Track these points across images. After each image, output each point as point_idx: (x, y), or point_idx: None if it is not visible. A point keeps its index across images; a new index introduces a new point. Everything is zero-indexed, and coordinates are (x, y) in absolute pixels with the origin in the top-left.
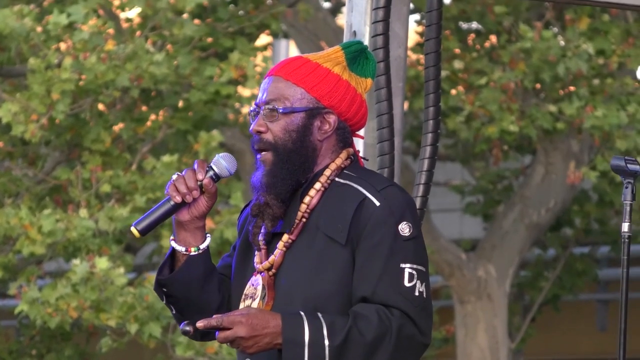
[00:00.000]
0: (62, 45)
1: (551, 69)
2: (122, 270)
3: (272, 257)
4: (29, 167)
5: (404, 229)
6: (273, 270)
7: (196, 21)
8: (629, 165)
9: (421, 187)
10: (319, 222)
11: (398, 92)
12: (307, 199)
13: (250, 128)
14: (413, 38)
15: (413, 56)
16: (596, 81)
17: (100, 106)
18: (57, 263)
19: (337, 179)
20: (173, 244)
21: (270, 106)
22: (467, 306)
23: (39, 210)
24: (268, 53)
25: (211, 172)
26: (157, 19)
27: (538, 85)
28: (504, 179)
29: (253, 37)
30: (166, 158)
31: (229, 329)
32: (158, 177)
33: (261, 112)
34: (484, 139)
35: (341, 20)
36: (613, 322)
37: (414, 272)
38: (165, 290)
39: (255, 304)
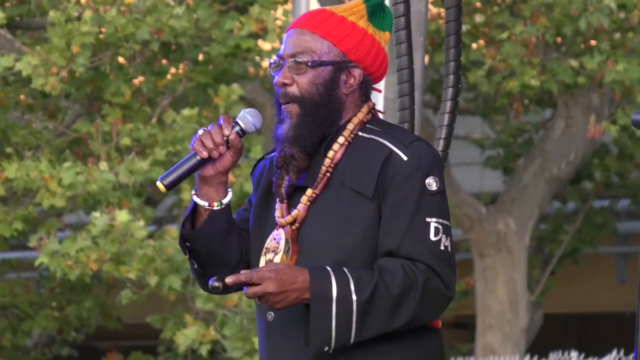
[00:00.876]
0: None
1: (572, 23)
2: (142, 222)
3: (295, 211)
4: (49, 120)
5: (431, 183)
6: (297, 225)
7: None
8: None
9: (441, 142)
10: (344, 176)
11: (419, 47)
12: (330, 154)
13: (275, 80)
14: None
15: (434, 10)
16: (617, 35)
17: (120, 59)
18: (77, 216)
19: (360, 134)
20: (195, 198)
21: (298, 59)
22: (486, 259)
23: (59, 163)
24: (288, 6)
25: (237, 128)
26: None
27: (559, 40)
28: (525, 132)
29: None
30: (186, 111)
31: (257, 284)
32: (178, 130)
33: (285, 64)
34: (505, 93)
35: None
36: (632, 275)
37: (440, 226)
38: (188, 244)
39: (277, 258)
